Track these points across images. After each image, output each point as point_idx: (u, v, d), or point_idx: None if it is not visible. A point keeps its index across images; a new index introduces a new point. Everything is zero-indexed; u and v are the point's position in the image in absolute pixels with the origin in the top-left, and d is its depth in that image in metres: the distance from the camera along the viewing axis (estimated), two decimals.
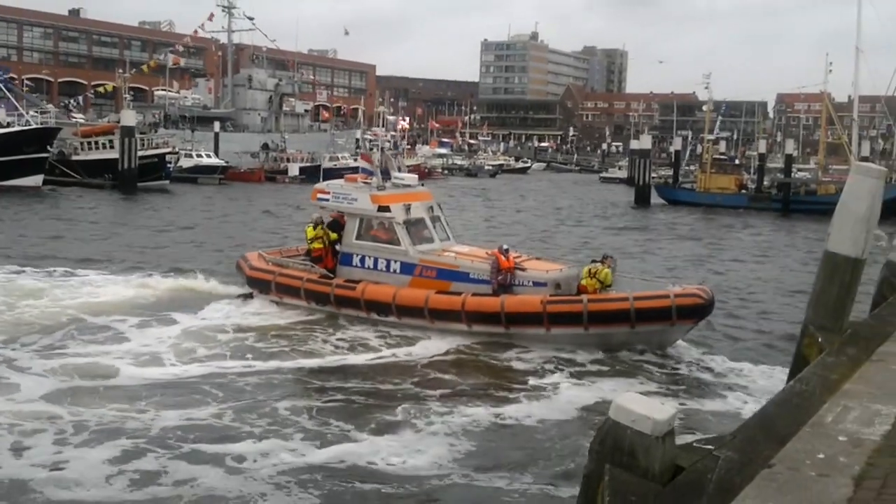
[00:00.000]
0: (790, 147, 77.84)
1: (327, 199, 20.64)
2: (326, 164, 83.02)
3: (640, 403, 4.40)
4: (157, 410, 13.32)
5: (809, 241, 43.51)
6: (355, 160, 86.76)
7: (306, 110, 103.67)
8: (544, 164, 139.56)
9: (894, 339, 7.91)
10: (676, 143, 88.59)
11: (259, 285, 20.92)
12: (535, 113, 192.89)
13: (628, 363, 17.04)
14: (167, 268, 26.43)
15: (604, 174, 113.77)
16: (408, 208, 19.78)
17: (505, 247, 19.01)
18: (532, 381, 15.73)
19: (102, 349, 16.90)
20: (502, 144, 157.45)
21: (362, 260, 19.90)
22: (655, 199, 67.97)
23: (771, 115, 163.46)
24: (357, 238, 20.08)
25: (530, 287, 18.13)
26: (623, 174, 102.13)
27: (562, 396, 14.83)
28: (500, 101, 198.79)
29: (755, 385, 15.76)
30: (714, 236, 45.25)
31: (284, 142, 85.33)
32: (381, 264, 19.59)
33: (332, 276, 20.00)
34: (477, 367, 16.67)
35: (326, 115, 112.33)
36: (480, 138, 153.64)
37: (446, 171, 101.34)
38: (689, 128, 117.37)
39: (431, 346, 17.79)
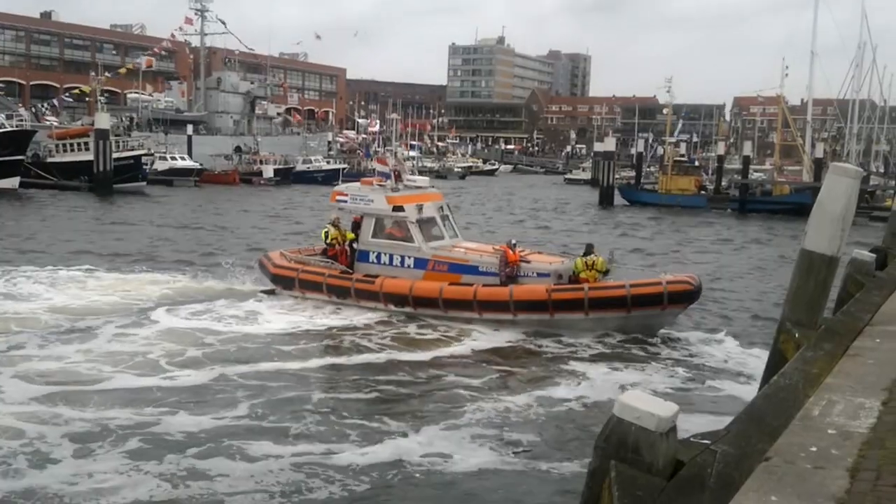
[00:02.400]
0: (747, 149, 78.77)
1: (346, 201, 21.66)
2: (300, 166, 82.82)
3: (645, 401, 4.41)
4: (187, 412, 12.92)
5: (766, 238, 44.29)
6: (328, 163, 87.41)
7: (279, 113, 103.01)
8: (511, 166, 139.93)
9: (866, 335, 8.00)
10: (638, 146, 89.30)
11: (283, 282, 21.61)
12: (502, 116, 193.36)
13: (643, 348, 18.11)
14: (169, 266, 26.39)
15: (568, 176, 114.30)
16: (420, 208, 20.84)
17: (513, 241, 20.29)
18: (565, 368, 16.32)
19: (126, 346, 16.67)
20: (469, 147, 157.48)
21: (378, 256, 20.93)
22: (618, 199, 68.47)
23: (728, 118, 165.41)
24: (373, 236, 21.06)
25: (534, 277, 19.31)
26: (587, 175, 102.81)
27: (600, 382, 15.30)
28: (468, 105, 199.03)
29: (737, 368, 16.62)
30: (677, 234, 45.70)
31: (257, 144, 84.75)
32: (397, 260, 20.66)
33: (350, 272, 20.82)
34: (514, 358, 17.20)
35: (298, 117, 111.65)
36: (448, 141, 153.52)
37: (417, 174, 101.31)
38: (651, 130, 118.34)
39: (459, 342, 18.15)
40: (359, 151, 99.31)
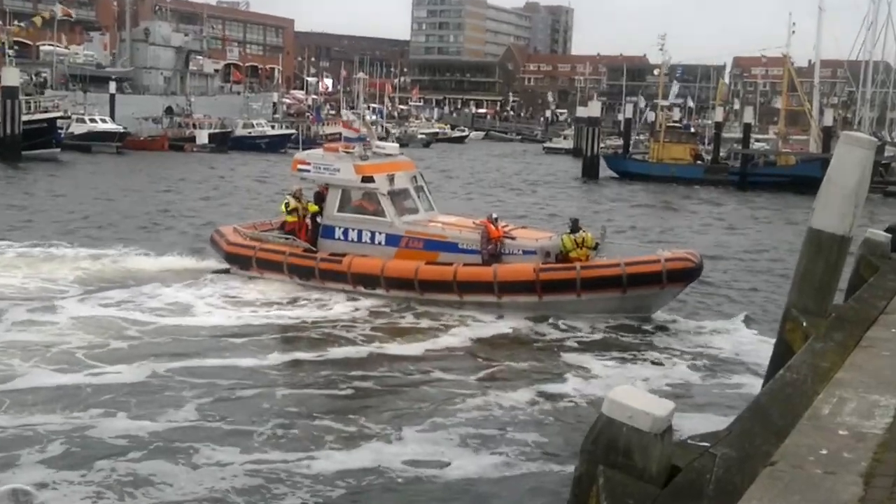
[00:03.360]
0: (748, 115, 79.22)
1: (308, 171, 21.89)
2: (239, 130, 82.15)
3: (637, 398, 4.43)
4: (125, 412, 12.71)
5: (770, 215, 44.92)
6: (273, 127, 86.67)
7: (216, 70, 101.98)
8: (483, 133, 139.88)
9: (881, 324, 8.13)
10: (627, 111, 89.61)
11: (238, 261, 21.91)
12: (472, 76, 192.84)
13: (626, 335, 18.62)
14: (90, 242, 26.04)
15: (548, 144, 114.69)
16: (391, 178, 21.11)
17: (494, 216, 20.57)
18: (561, 359, 16.67)
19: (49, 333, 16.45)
20: (436, 110, 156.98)
21: (345, 232, 21.15)
22: (604, 171, 68.71)
23: (727, 80, 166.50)
24: (339, 210, 21.33)
25: (520, 255, 19.78)
26: (569, 144, 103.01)
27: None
28: (434, 63, 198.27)
29: (743, 358, 16.96)
30: (671, 209, 46.20)
31: (190, 106, 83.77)
32: (366, 236, 20.94)
33: (314, 250, 21.16)
34: (507, 348, 17.50)
35: (239, 75, 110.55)
36: (411, 103, 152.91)
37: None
38: (641, 94, 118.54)
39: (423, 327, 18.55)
40: (308, 115, 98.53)
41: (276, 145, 79.43)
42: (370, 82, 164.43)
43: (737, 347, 17.77)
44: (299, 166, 22.07)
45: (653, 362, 16.73)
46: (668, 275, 18.84)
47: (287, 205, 21.83)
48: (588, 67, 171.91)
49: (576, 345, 17.72)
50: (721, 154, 71.80)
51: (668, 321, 19.57)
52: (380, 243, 20.74)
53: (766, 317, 20.25)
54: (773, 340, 17.02)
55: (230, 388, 14.15)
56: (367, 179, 20.97)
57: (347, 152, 21.72)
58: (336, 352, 16.49)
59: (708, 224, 40.31)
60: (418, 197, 21.74)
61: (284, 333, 17.84)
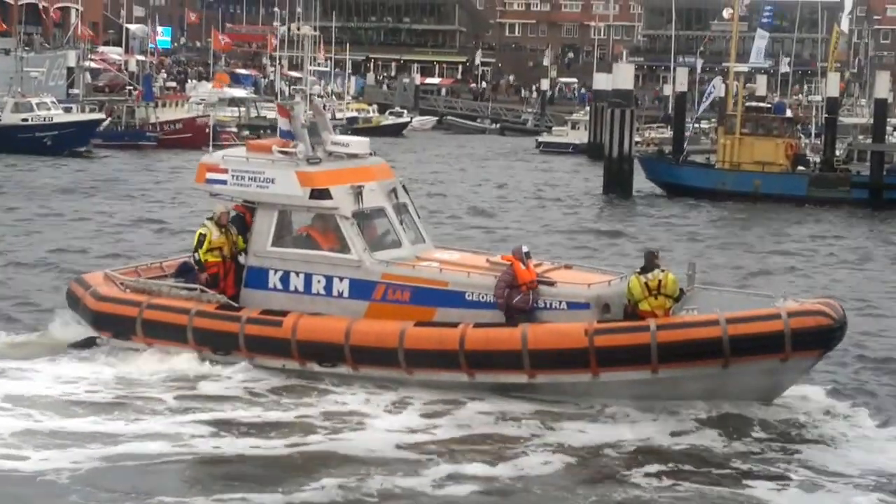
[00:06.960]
0: (883, 86, 79.04)
1: (224, 182, 23.43)
2: (8, 116, 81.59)
3: None
4: None
5: None
6: (68, 110, 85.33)
7: None
8: (433, 119, 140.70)
9: None
10: (679, 80, 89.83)
11: (114, 324, 23.29)
12: (417, 21, 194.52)
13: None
14: None
15: (545, 137, 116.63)
16: (358, 193, 22.53)
17: (525, 249, 22.00)
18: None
19: None
20: (353, 80, 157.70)
21: (285, 278, 22.69)
22: (642, 182, 69.80)
23: (846, 27, 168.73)
24: (276, 243, 22.92)
25: (563, 311, 21.31)
26: (580, 137, 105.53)
27: None
28: None
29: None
30: (759, 244, 47.12)
31: None
32: (318, 284, 22.52)
33: (235, 305, 22.66)
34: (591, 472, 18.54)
35: (3, 25, 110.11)
36: (314, 67, 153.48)
37: (247, 132, 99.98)
38: (701, 51, 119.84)
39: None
40: (132, 88, 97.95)
41: (69, 140, 79.13)
42: (241, 35, 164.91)
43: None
44: (210, 175, 23.45)
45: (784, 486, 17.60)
46: (793, 338, 19.82)
47: (202, 238, 22.72)
48: (613, 7, 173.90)
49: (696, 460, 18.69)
50: (837, 154, 72.11)
51: (795, 417, 20.65)
52: (341, 294, 22.25)
53: None
54: None
55: None
56: (320, 194, 22.34)
57: (286, 152, 22.85)
58: (302, 492, 16.76)
59: (826, 266, 41.70)
60: (401, 222, 23.18)
61: (191, 451, 18.28)
